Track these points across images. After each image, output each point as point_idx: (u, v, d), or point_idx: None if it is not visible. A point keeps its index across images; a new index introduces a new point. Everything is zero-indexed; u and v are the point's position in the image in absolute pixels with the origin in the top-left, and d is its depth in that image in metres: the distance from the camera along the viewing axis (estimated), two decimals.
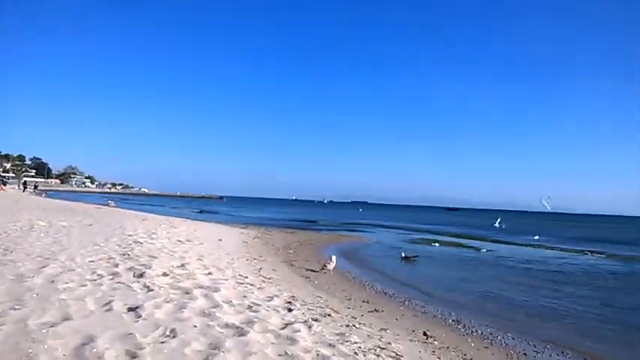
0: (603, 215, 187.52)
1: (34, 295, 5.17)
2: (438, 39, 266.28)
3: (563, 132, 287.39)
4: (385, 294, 11.03)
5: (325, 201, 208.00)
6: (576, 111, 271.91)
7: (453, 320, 8.99)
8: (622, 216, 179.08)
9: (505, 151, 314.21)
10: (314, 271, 12.73)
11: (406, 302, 10.22)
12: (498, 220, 44.51)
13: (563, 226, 67.58)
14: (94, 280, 6.25)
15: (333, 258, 13.24)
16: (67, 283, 5.93)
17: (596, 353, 7.75)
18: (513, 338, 8.08)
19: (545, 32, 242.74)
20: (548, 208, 37.76)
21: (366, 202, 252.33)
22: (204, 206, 74.27)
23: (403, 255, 17.55)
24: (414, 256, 17.91)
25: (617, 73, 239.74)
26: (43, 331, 4.03)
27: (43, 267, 6.85)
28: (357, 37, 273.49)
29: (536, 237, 34.67)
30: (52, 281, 5.97)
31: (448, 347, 6.94)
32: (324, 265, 12.88)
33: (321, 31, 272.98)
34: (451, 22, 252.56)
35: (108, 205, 38.89)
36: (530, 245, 29.69)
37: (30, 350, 3.60)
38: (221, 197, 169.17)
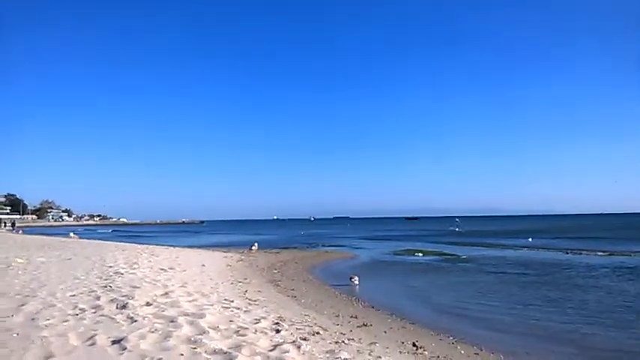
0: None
1: (14, 335, 5.03)
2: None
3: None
4: (372, 307, 11.05)
5: (312, 219, 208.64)
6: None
7: (442, 329, 9.06)
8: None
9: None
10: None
11: (394, 314, 10.26)
12: (457, 225, 47.12)
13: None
14: (76, 315, 6.10)
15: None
16: (48, 319, 5.78)
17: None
18: (501, 343, 8.20)
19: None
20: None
21: (348, 217, 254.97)
22: (185, 232, 73.70)
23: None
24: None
25: None
26: None
27: (23, 305, 6.66)
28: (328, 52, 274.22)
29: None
30: (33, 319, 5.81)
31: (438, 356, 7.00)
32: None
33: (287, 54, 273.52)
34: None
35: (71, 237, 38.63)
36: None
37: None
38: (202, 222, 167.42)
